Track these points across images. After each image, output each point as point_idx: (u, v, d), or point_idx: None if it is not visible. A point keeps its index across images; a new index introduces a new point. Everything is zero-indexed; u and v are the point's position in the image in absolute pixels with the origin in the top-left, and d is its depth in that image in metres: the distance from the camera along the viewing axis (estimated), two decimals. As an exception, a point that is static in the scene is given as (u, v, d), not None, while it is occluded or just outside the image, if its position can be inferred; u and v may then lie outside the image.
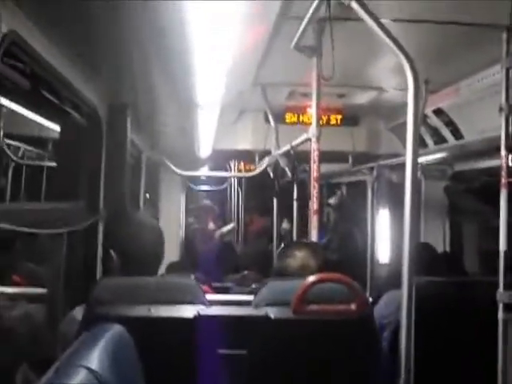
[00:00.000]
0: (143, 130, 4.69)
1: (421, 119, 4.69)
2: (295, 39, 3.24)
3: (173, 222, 7.33)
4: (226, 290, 4.58)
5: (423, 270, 3.61)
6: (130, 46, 2.66)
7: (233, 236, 9.29)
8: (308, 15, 2.97)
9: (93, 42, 2.57)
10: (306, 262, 2.99)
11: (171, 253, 6.32)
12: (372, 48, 3.56)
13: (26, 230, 2.35)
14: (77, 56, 2.65)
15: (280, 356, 2.35)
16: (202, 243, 7.47)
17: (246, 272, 5.41)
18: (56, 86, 2.69)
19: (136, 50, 2.74)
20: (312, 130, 3.45)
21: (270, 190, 7.12)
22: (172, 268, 5.04)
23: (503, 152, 3.43)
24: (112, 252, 2.88)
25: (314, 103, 3.45)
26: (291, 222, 6.14)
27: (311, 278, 2.40)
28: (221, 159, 8.87)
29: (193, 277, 2.70)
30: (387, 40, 2.31)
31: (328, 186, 9.71)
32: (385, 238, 6.87)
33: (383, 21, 2.35)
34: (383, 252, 6.85)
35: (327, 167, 8.23)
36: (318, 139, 3.43)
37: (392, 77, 4.54)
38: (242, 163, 9.38)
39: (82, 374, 1.68)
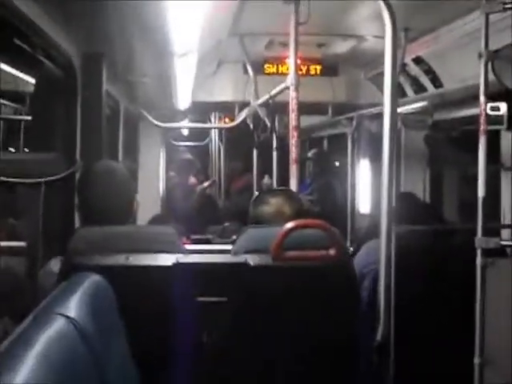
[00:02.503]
0: (120, 80, 4.62)
1: (400, 68, 4.66)
2: (272, -16, 3.18)
3: (153, 176, 7.28)
4: (206, 242, 4.58)
5: (406, 220, 3.65)
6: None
7: (215, 190, 9.27)
8: None
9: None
10: (281, 208, 2.96)
11: (152, 206, 6.30)
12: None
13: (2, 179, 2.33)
14: (50, 4, 2.58)
15: (260, 302, 2.35)
16: (182, 197, 7.46)
17: (227, 224, 5.41)
18: (29, 36, 2.62)
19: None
20: (290, 78, 3.42)
21: (251, 143, 7.09)
22: (155, 221, 5.02)
23: (482, 99, 3.41)
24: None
25: (291, 50, 3.41)
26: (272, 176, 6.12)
27: (289, 225, 2.39)
28: (201, 112, 8.80)
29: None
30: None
31: (310, 140, 9.68)
32: (365, 188, 6.88)
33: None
34: (364, 202, 6.87)
35: (308, 120, 8.22)
36: (297, 87, 3.40)
37: (371, 24, 4.47)
38: (225, 117, 9.30)
39: (59, 322, 1.66)
